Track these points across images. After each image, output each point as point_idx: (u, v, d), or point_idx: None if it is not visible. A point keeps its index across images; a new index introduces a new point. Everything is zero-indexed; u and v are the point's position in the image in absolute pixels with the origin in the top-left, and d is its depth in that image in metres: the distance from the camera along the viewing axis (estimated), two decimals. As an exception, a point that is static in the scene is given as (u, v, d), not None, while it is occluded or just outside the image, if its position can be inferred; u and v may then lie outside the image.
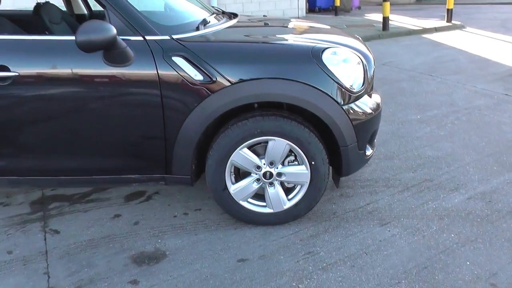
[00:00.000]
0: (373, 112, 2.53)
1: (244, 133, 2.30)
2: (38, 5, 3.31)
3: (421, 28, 10.10)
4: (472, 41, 8.77)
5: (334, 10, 13.73)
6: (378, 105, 2.61)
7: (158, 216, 2.75)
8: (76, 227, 2.68)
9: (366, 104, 2.49)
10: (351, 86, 2.38)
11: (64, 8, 3.88)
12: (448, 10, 10.73)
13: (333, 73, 2.30)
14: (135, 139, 2.36)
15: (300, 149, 2.34)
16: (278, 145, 2.33)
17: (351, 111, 2.38)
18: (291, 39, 2.51)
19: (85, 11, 4.00)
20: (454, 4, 10.85)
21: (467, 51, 7.83)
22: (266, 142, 2.35)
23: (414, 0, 19.18)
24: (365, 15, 14.00)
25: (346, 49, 2.48)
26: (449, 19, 10.75)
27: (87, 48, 2.06)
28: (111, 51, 2.16)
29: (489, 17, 12.57)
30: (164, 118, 2.30)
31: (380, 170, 3.27)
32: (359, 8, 16.05)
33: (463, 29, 10.40)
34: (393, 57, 7.47)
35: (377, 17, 13.12)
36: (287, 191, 2.52)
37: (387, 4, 9.60)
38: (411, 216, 2.65)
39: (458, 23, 10.76)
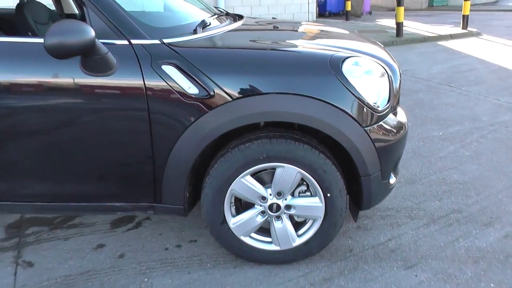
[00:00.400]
0: (399, 134, 2.15)
1: (247, 158, 1.93)
2: (21, 3, 2.96)
3: (436, 34, 9.69)
4: (490, 49, 8.35)
5: (344, 15, 13.36)
6: (404, 125, 2.23)
7: (147, 248, 2.38)
8: (53, 259, 2.32)
9: (391, 124, 2.11)
10: (375, 103, 2.00)
11: (53, 7, 3.54)
12: (463, 16, 10.32)
13: (354, 88, 1.93)
14: (118, 162, 2.00)
15: (314, 178, 1.96)
16: (287, 173, 1.95)
17: (375, 134, 1.99)
18: (305, 46, 2.13)
19: (77, 11, 3.65)
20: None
21: (485, 60, 7.42)
22: (274, 168, 1.98)
23: (426, 5, 18.77)
24: (377, 20, 13.63)
25: (368, 59, 2.10)
26: (464, 26, 10.34)
27: (58, 53, 1.70)
28: (89, 58, 1.80)
29: (505, 24, 12.14)
30: (152, 138, 1.94)
31: (402, 197, 2.88)
32: (370, 13, 15.68)
33: (480, 37, 9.99)
34: (409, 65, 7.07)
35: (389, 22, 12.72)
36: (297, 225, 2.14)
37: (401, 9, 9.21)
38: (440, 257, 2.26)
39: (474, 30, 10.35)
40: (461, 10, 10.55)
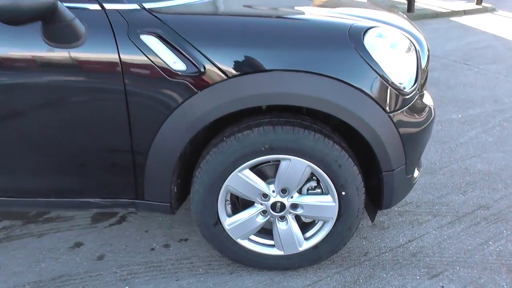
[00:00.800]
0: (427, 121, 1.81)
1: (245, 149, 1.59)
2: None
3: (449, 10, 9.18)
4: (507, 25, 7.89)
5: (351, -11, 12.77)
6: (431, 110, 1.89)
7: (130, 248, 2.07)
8: (23, 261, 2.01)
9: (419, 109, 1.77)
10: (401, 83, 1.65)
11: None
12: (478, -10, 9.75)
13: (378, 64, 1.57)
14: (90, 152, 1.66)
15: (327, 174, 1.63)
16: (294, 167, 1.62)
17: (401, 121, 1.65)
18: (317, 14, 1.75)
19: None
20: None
21: (502, 37, 6.98)
22: (278, 160, 1.65)
23: (436, -19, 18.07)
24: (385, -5, 13.03)
25: (394, 30, 1.73)
26: (479, 1, 9.81)
27: (12, 17, 1.35)
28: (51, 25, 1.45)
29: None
30: (130, 124, 1.60)
31: (421, 189, 2.55)
32: (378, -13, 15.04)
33: (495, 12, 9.48)
34: (421, 42, 6.63)
35: (398, -3, 12.16)
36: (304, 226, 1.82)
37: (413, -18, 8.69)
38: (469, 263, 1.94)
39: (489, 5, 9.82)
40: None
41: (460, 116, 3.68)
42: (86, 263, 1.99)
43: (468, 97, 4.14)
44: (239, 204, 1.82)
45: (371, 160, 1.72)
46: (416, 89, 1.75)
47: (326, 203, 1.70)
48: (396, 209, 2.34)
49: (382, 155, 1.64)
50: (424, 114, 1.80)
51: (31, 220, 2.31)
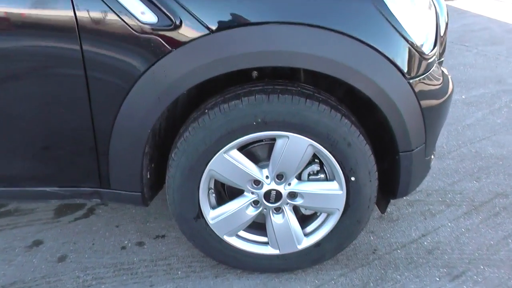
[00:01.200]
0: (448, 92, 1.51)
1: (232, 124, 1.27)
2: None
3: (440, -6, 8.92)
4: (501, 8, 7.65)
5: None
6: (450, 80, 1.59)
7: (97, 247, 1.75)
8: (-33, 263, 1.67)
9: (440, 78, 1.47)
10: (422, 45, 1.35)
11: None
12: (470, -25, 9.50)
13: (397, 20, 1.26)
14: (43, 132, 1.33)
15: (333, 155, 1.32)
16: (293, 146, 1.30)
17: (422, 89, 1.35)
18: None
19: None
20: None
21: (498, 19, 6.74)
22: (273, 139, 1.33)
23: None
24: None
25: None
26: (470, -14, 9.56)
27: None
28: None
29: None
30: (90, 95, 1.26)
31: (430, 175, 2.26)
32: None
33: (487, -3, 9.25)
34: (415, 24, 6.36)
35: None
36: (304, 220, 1.52)
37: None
38: (493, 261, 1.67)
39: (481, -10, 9.59)
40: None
41: (463, 97, 3.41)
42: (44, 266, 1.66)
43: (469, 77, 3.87)
44: (225, 193, 1.50)
45: (382, 139, 1.42)
46: (435, 54, 1.45)
47: (331, 191, 1.39)
48: (404, 198, 2.05)
49: (401, 132, 1.33)
50: (445, 84, 1.51)
51: (-18, 215, 1.97)
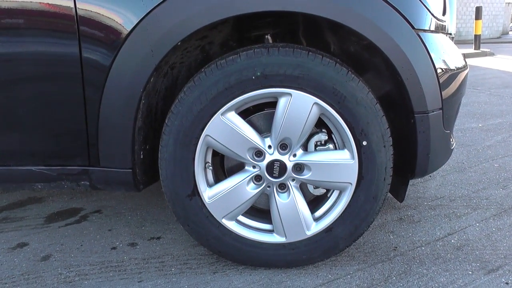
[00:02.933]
0: (462, 65, 1.41)
1: (230, 79, 1.17)
2: None
3: (447, 52, 9.11)
4: (508, 64, 7.74)
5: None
6: (464, 60, 1.50)
7: (85, 247, 1.58)
8: None
9: (451, 46, 1.38)
10: (431, 5, 1.28)
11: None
12: (476, 36, 9.78)
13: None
14: (26, 101, 1.25)
15: (340, 115, 1.20)
16: (297, 105, 1.19)
17: (433, 48, 1.25)
18: None
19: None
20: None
21: (507, 70, 6.78)
22: (274, 100, 1.22)
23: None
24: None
25: None
26: (477, 46, 9.80)
27: None
28: None
29: (517, 48, 11.65)
30: (81, 52, 1.19)
31: (452, 184, 2.09)
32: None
33: (494, 56, 9.43)
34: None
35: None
36: (313, 204, 1.36)
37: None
38: (536, 256, 1.45)
39: (488, 50, 9.81)
40: (471, 43, 10.06)
41: (480, 125, 3.28)
42: (25, 264, 1.49)
43: (485, 111, 3.77)
44: (224, 173, 1.36)
45: (396, 106, 1.30)
46: (445, 21, 1.38)
47: (341, 160, 1.25)
48: (425, 203, 1.87)
49: (414, 88, 1.21)
50: (458, 57, 1.41)
51: (-32, 223, 1.84)
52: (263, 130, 1.30)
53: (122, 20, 1.16)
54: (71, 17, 1.17)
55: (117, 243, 1.60)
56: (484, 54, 9.58)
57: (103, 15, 1.16)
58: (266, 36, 1.45)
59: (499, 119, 3.48)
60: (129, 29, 1.16)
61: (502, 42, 15.85)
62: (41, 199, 2.06)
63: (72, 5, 1.17)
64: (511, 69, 6.93)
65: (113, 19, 1.16)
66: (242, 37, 1.56)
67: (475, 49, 9.86)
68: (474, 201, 1.89)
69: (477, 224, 1.67)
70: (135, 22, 1.16)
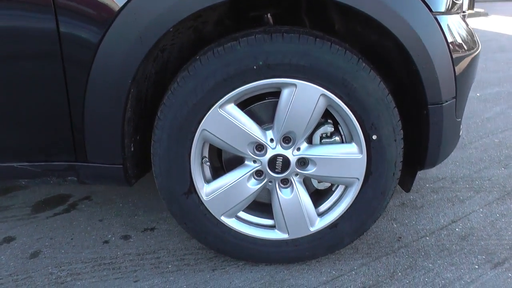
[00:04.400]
0: (475, 46, 1.31)
1: (229, 68, 1.06)
2: None
3: (441, 12, 8.94)
4: (503, 25, 7.61)
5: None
6: (476, 38, 1.40)
7: (76, 241, 1.50)
8: None
9: (466, 27, 1.28)
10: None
11: None
12: (469, -6, 9.54)
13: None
14: (10, 92, 1.12)
15: (350, 109, 1.10)
16: (302, 96, 1.09)
17: (449, 32, 1.14)
18: None
19: None
20: None
21: (503, 33, 6.67)
22: (277, 90, 1.12)
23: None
24: None
25: None
26: (471, 6, 9.59)
27: None
28: None
29: (510, 7, 11.47)
30: (61, 41, 1.06)
31: (453, 163, 2.03)
32: None
33: (488, 16, 9.27)
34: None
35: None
36: (317, 197, 1.28)
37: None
38: (542, 245, 1.41)
39: (482, 10, 9.63)
40: None
41: (478, 94, 3.21)
42: (13, 263, 1.41)
43: (482, 79, 3.69)
44: (223, 168, 1.27)
45: (407, 95, 1.21)
46: (460, 2, 1.27)
47: (349, 155, 1.16)
48: (427, 185, 1.82)
49: (429, 78, 1.12)
50: (471, 35, 1.31)
51: (-51, 213, 1.74)
52: (264, 120, 1.20)
53: None
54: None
55: (109, 236, 1.52)
56: (478, 14, 9.43)
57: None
58: (266, 15, 1.32)
59: (496, 87, 3.41)
60: (114, 14, 1.03)
61: (494, 1, 15.62)
62: (26, 185, 1.95)
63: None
64: (505, 31, 6.82)
65: None
66: (239, 16, 1.43)
67: (469, 9, 9.66)
68: (477, 182, 1.84)
69: (481, 210, 1.62)
70: (121, 5, 1.02)
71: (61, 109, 1.14)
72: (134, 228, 1.56)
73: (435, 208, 1.64)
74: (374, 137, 1.13)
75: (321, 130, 1.19)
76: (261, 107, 1.19)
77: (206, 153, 1.20)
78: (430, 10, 1.08)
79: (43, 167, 1.25)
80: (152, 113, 1.30)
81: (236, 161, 1.22)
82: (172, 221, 1.59)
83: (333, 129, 1.19)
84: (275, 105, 1.14)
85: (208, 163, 1.21)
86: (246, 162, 1.19)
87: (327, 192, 1.28)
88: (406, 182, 1.38)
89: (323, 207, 1.27)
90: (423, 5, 1.07)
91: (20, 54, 1.07)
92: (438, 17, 1.10)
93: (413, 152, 1.28)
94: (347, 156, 1.16)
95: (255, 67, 1.05)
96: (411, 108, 1.21)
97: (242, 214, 1.27)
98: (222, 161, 1.27)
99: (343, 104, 1.09)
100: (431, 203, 1.68)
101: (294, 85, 1.07)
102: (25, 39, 1.05)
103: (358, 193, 1.21)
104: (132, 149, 1.24)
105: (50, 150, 1.22)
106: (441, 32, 1.10)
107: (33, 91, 1.12)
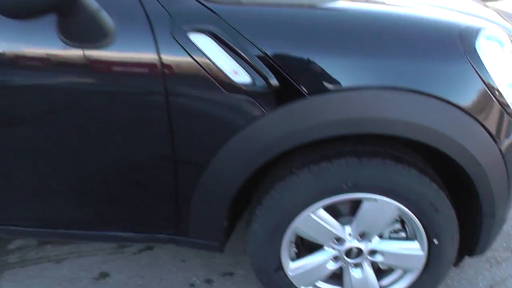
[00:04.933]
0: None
1: (322, 186, 1.28)
2: None
3: None
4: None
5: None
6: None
7: (165, 283, 1.78)
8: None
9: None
10: (508, 99, 1.31)
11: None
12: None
13: (491, 77, 1.23)
14: (122, 178, 1.37)
15: (419, 220, 1.31)
16: (381, 209, 1.30)
17: (510, 154, 1.32)
18: (415, 8, 1.35)
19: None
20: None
21: None
22: (359, 200, 1.33)
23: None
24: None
25: (498, 28, 1.36)
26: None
27: (18, 10, 1.04)
28: (69, 18, 1.12)
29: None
30: (174, 150, 1.28)
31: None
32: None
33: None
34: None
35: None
36: (378, 272, 1.51)
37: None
38: None
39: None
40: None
41: None
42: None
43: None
44: (302, 245, 1.51)
45: (466, 201, 1.40)
46: None
47: (412, 251, 1.39)
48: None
49: (487, 198, 1.31)
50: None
51: (48, 241, 2.02)
52: (342, 213, 1.41)
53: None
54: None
55: (194, 279, 1.79)
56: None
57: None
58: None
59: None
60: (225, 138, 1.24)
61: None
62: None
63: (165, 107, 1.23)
64: None
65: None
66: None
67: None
68: (514, 241, 2.03)
69: (517, 274, 1.83)
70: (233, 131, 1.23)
71: (171, 198, 1.37)
72: (215, 272, 1.82)
73: (475, 269, 1.84)
74: (435, 241, 1.34)
75: (391, 227, 1.40)
76: (341, 204, 1.40)
77: (293, 239, 1.43)
78: (495, 141, 1.25)
79: (146, 237, 1.50)
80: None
81: (315, 244, 1.45)
82: (246, 265, 1.83)
83: (400, 226, 1.41)
84: (352, 202, 1.35)
85: (294, 247, 1.44)
86: (325, 247, 1.42)
87: (387, 269, 1.51)
88: (456, 259, 1.59)
89: (385, 281, 1.50)
90: (490, 138, 1.24)
91: (149, 170, 1.30)
92: (501, 146, 1.27)
93: (465, 241, 1.47)
94: (410, 252, 1.39)
95: (345, 186, 1.26)
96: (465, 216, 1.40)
97: (318, 283, 1.52)
98: (302, 242, 1.50)
99: (414, 216, 1.30)
100: (471, 263, 1.88)
101: (375, 200, 1.28)
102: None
103: (416, 278, 1.44)
104: (225, 225, 1.47)
105: (155, 225, 1.47)
106: (502, 160, 1.27)
107: (149, 187, 1.35)
